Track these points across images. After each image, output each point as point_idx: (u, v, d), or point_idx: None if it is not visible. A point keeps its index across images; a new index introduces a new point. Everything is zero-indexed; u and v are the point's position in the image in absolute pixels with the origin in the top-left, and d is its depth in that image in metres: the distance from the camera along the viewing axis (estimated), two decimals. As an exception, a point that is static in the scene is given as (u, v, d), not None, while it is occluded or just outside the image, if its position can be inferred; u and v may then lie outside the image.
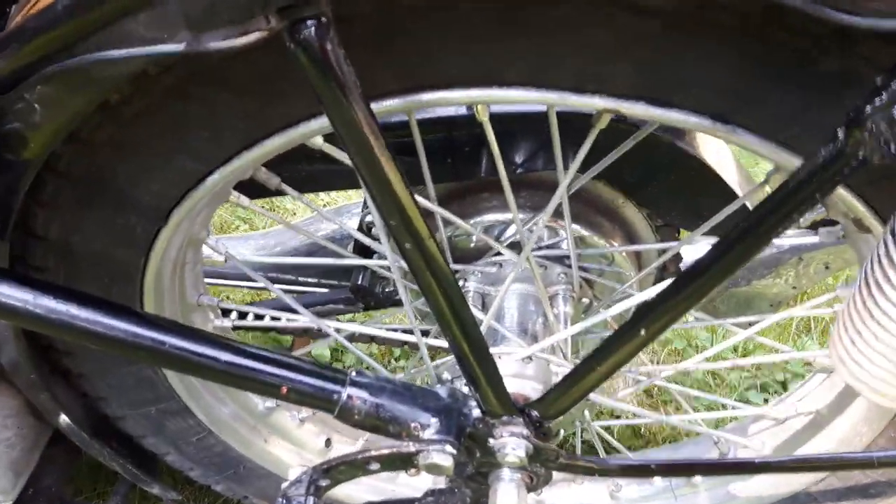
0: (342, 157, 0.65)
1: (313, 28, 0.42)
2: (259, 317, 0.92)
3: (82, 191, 0.61)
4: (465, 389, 0.70)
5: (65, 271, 0.67)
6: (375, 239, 1.00)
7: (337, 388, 0.62)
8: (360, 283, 1.07)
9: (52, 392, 0.80)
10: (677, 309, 0.52)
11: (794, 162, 0.54)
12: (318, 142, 0.63)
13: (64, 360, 0.79)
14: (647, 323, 0.52)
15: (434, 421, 0.63)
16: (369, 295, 1.09)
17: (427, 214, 0.73)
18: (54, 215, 0.62)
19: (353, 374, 0.64)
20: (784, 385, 1.38)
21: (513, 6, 0.45)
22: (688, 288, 0.51)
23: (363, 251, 0.99)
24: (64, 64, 0.45)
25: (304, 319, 0.82)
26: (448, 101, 0.54)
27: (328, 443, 1.04)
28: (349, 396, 0.62)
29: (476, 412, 0.65)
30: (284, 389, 0.61)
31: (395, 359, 1.45)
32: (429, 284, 0.54)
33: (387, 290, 1.08)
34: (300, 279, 1.15)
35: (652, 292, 0.69)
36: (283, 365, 0.62)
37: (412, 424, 0.63)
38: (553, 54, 0.48)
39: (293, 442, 1.01)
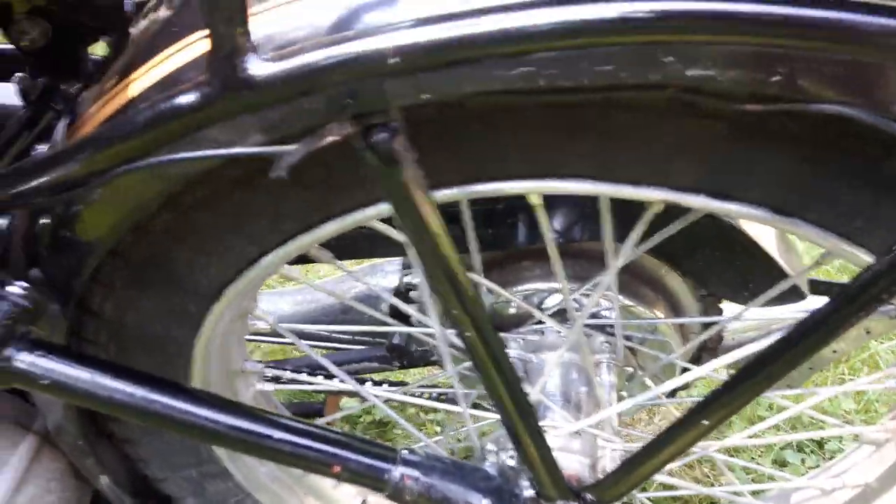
0: (395, 235, 0.66)
1: (385, 133, 0.43)
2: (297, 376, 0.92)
3: (139, 273, 0.62)
4: (512, 463, 0.69)
5: (116, 346, 0.68)
6: (412, 301, 1.01)
7: (388, 466, 0.62)
8: (396, 342, 1.07)
9: (97, 456, 0.81)
10: (744, 397, 0.51)
11: (852, 251, 0.54)
12: (375, 223, 0.64)
13: (109, 425, 0.79)
14: (712, 412, 0.52)
15: (486, 502, 0.63)
16: (405, 355, 1.09)
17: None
18: (111, 295, 0.63)
19: (404, 452, 0.63)
20: (820, 444, 1.35)
21: (577, 110, 0.46)
22: (755, 377, 0.50)
23: (400, 313, 1.00)
24: (137, 164, 0.46)
25: (346, 384, 0.82)
26: (503, 192, 0.54)
27: (365, 501, 1.03)
28: (401, 476, 0.62)
29: (528, 492, 0.64)
30: (337, 468, 0.61)
31: (425, 411, 1.44)
32: (484, 364, 0.54)
33: (422, 350, 1.08)
34: (333, 335, 1.15)
35: (702, 369, 0.69)
36: (335, 442, 0.62)
37: (463, 505, 0.62)
38: (615, 153, 0.48)
39: (329, 503, 1.01)
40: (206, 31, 0.39)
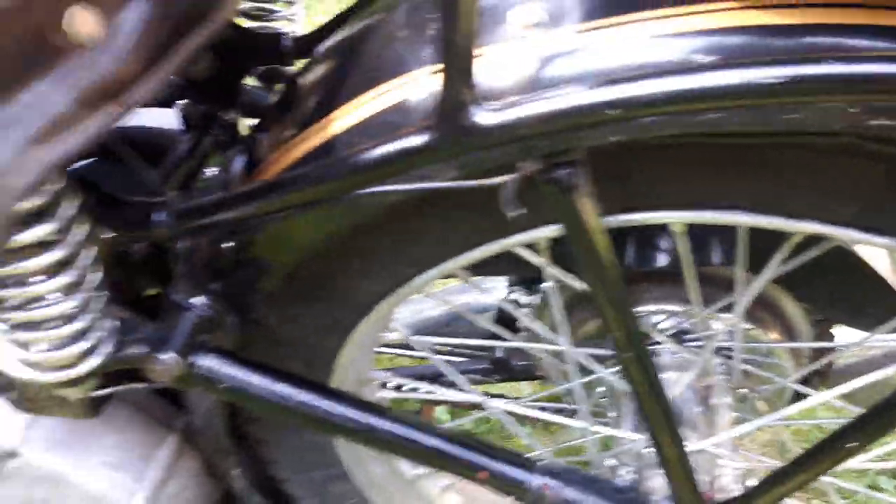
0: (534, 259, 0.69)
1: (567, 170, 0.47)
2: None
3: (304, 289, 0.67)
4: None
5: (269, 353, 0.74)
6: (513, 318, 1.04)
7: (526, 475, 0.66)
8: (500, 356, 1.11)
9: (234, 455, 0.87)
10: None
11: None
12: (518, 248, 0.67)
13: (249, 427, 0.85)
14: (862, 435, 0.54)
15: (619, 513, 0.66)
16: (507, 368, 1.13)
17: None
18: (275, 307, 0.69)
19: (542, 462, 0.67)
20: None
21: (752, 149, 0.49)
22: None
23: (505, 326, 1.04)
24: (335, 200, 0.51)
25: (469, 395, 0.86)
26: (651, 220, 0.58)
27: (466, 512, 1.07)
28: (541, 486, 0.65)
29: (661, 506, 0.67)
30: (484, 474, 0.65)
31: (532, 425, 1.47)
32: (639, 381, 0.57)
33: (524, 364, 1.12)
34: (436, 346, 1.19)
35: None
36: (480, 450, 0.66)
37: (600, 518, 0.65)
38: (779, 188, 0.52)
39: (433, 508, 1.05)
40: (417, 80, 0.43)
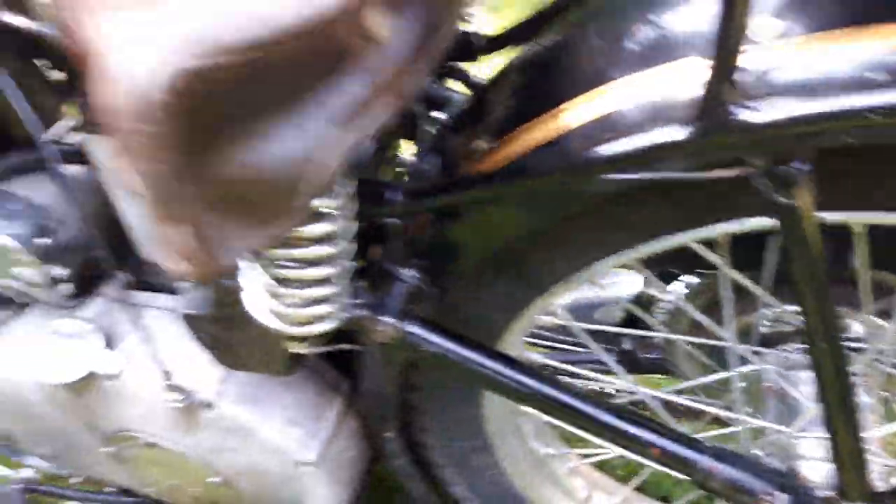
0: (710, 256, 0.73)
1: (796, 167, 0.51)
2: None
3: (495, 267, 0.73)
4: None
5: (446, 324, 0.80)
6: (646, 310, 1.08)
7: (696, 455, 0.71)
8: (628, 348, 1.15)
9: (394, 421, 0.94)
10: None
11: None
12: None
13: (410, 394, 0.92)
14: None
15: (784, 497, 0.70)
16: (634, 361, 1.17)
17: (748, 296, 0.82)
18: (465, 286, 0.75)
19: (706, 441, 0.72)
20: None
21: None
22: None
23: (634, 322, 1.08)
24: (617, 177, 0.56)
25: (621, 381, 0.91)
26: (845, 221, 0.62)
27: (589, 497, 1.12)
28: (709, 466, 0.70)
29: (823, 493, 0.71)
30: (657, 451, 0.70)
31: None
32: (827, 372, 0.61)
33: (652, 358, 1.16)
34: (560, 338, 1.24)
35: None
36: (654, 429, 0.71)
37: (764, 497, 0.70)
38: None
39: (561, 489, 1.10)
40: (659, 77, 0.48)
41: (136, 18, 0.41)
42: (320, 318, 0.63)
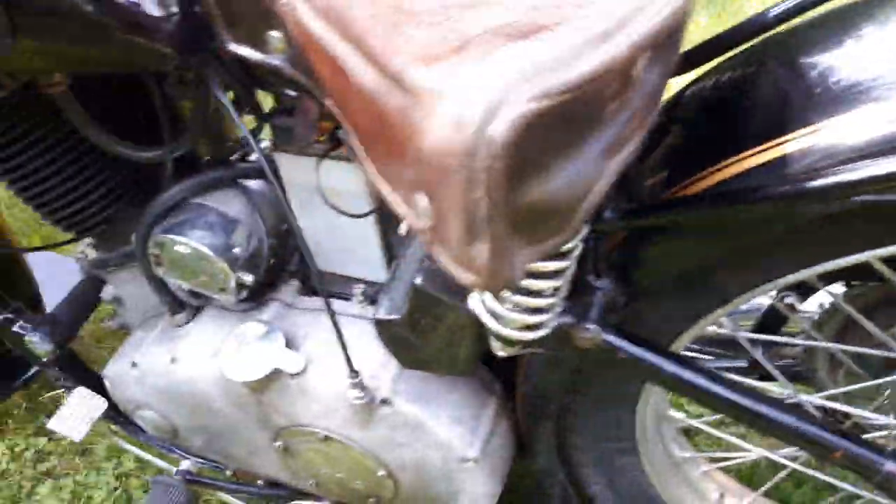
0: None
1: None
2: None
3: (678, 283, 0.77)
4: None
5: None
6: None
7: (879, 458, 0.74)
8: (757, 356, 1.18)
9: (547, 420, 0.99)
10: None
11: None
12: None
13: (572, 398, 0.97)
14: None
15: None
16: (764, 368, 1.20)
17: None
18: (649, 297, 0.79)
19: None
20: None
21: None
22: None
23: (767, 329, 1.11)
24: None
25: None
26: None
27: (721, 497, 1.16)
28: (892, 470, 0.74)
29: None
30: (840, 454, 0.74)
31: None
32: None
33: (784, 364, 1.19)
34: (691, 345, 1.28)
35: None
36: (838, 432, 0.75)
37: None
38: None
39: (695, 490, 1.14)
40: None
41: (457, 69, 0.46)
42: (537, 326, 0.69)
